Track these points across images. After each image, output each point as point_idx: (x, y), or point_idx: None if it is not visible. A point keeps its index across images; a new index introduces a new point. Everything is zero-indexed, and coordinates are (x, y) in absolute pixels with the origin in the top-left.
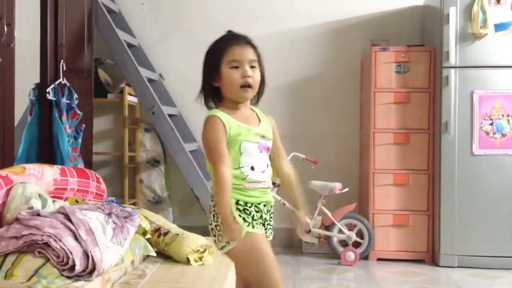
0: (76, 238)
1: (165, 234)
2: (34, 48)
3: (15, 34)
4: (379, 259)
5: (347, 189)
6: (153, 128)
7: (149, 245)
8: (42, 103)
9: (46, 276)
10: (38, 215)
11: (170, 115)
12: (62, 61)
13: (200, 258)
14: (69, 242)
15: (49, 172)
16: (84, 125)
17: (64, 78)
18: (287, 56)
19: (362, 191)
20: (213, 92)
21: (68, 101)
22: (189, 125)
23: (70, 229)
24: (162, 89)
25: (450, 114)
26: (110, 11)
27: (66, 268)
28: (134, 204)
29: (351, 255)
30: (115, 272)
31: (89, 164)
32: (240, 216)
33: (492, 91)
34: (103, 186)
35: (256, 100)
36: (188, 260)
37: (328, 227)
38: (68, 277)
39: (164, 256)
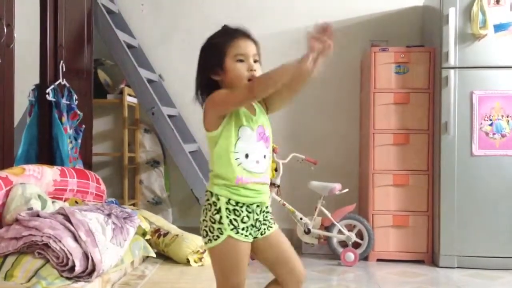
0: (76, 239)
1: (165, 235)
2: (34, 49)
3: (15, 35)
4: (378, 260)
5: (346, 190)
6: (152, 128)
7: (149, 246)
8: (42, 104)
9: (46, 277)
10: (38, 216)
11: (169, 116)
12: (61, 61)
13: (200, 259)
14: (69, 243)
15: (49, 173)
16: (84, 126)
17: (64, 79)
18: (287, 56)
19: (362, 191)
20: (210, 86)
21: (68, 102)
22: (188, 126)
23: (70, 230)
24: (161, 90)
25: (449, 114)
26: (109, 11)
27: (66, 269)
28: (133, 205)
29: (350, 255)
30: (115, 273)
31: (88, 165)
32: (228, 217)
33: (492, 91)
34: (102, 187)
35: None
36: (188, 261)
37: (328, 227)
38: (68, 278)
39: (164, 257)
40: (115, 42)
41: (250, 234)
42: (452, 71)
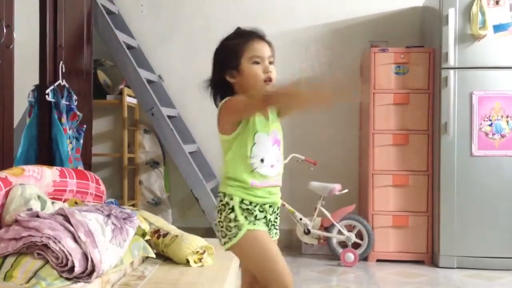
0: (75, 239)
1: (165, 235)
2: (33, 50)
3: (14, 36)
4: (378, 260)
5: (346, 190)
6: (152, 129)
7: (149, 246)
8: (41, 105)
9: (45, 278)
10: (37, 216)
11: (169, 117)
12: (61, 62)
13: (200, 260)
14: (68, 243)
15: (48, 174)
16: (85, 126)
17: (63, 80)
18: (287, 57)
19: (362, 192)
20: (224, 88)
21: (68, 103)
22: (188, 127)
23: (69, 231)
24: (161, 91)
25: (449, 115)
26: (109, 12)
27: (66, 269)
28: (133, 205)
29: (350, 256)
30: (115, 274)
31: (88, 166)
32: (242, 214)
33: (492, 92)
34: (102, 187)
35: None
36: (188, 262)
37: (328, 228)
38: (68, 279)
39: (164, 257)
40: (115, 42)
41: (264, 227)
42: (451, 71)
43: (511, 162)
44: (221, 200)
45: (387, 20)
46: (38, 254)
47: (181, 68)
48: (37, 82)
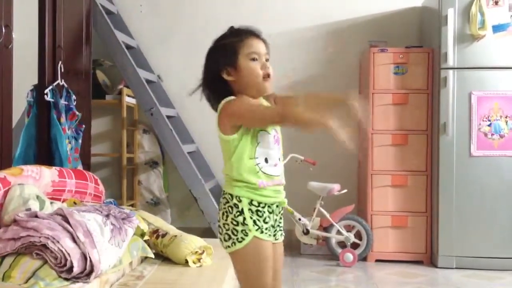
0: (74, 239)
1: (163, 235)
2: (32, 50)
3: (13, 36)
4: (377, 260)
5: (345, 191)
6: (151, 129)
7: (147, 246)
8: (40, 105)
9: (44, 278)
10: (36, 216)
11: (168, 117)
12: (60, 62)
13: (199, 260)
14: (67, 243)
15: (47, 174)
16: (84, 126)
17: (62, 80)
18: (286, 57)
19: (361, 192)
20: (220, 87)
21: (66, 103)
22: (187, 127)
23: (68, 231)
24: (160, 91)
25: (448, 115)
26: (108, 12)
27: (64, 269)
28: (132, 205)
29: (349, 256)
30: (113, 274)
31: (87, 166)
32: (251, 218)
33: (491, 92)
34: (101, 187)
35: None
36: (187, 262)
37: (327, 228)
38: (66, 279)
39: (162, 257)
40: (114, 42)
41: (270, 235)
42: (450, 71)
43: (510, 162)
44: (227, 201)
45: (386, 20)
46: (37, 254)
47: (180, 68)
48: (36, 82)
